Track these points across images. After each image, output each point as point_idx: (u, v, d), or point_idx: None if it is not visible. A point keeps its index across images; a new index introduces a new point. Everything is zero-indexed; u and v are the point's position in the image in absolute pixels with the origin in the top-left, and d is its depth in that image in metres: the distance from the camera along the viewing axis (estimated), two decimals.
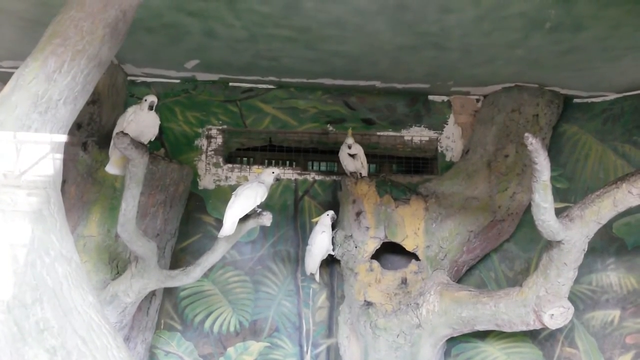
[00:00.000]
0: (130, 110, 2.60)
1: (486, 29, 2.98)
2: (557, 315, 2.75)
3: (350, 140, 3.54)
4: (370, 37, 3.13)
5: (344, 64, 3.57)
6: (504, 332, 3.50)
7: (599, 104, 4.00)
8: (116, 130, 2.53)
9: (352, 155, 3.53)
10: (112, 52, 2.06)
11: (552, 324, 2.77)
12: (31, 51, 2.00)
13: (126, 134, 2.37)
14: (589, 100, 4.02)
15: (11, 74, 1.99)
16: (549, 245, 2.73)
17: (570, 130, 4.03)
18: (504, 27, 2.96)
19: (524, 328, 2.94)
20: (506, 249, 3.86)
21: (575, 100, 4.03)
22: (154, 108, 2.62)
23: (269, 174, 2.96)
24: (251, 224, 2.78)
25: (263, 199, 2.85)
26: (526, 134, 2.22)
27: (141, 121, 2.55)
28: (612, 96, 3.96)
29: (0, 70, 3.68)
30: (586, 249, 2.73)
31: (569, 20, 2.85)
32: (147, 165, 2.51)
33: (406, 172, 4.17)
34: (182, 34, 3.18)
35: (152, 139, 2.68)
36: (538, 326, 2.85)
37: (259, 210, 2.81)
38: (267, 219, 2.77)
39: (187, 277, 2.78)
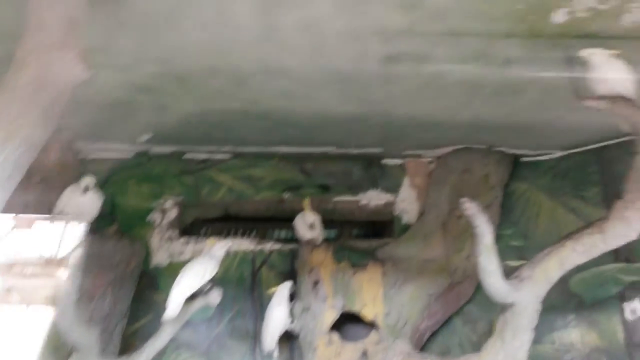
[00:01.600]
0: (66, 192, 2.53)
1: (430, 96, 3.08)
2: None
3: (310, 218, 3.51)
4: (320, 107, 3.20)
5: (297, 132, 3.62)
6: None
7: (547, 162, 4.13)
8: (55, 211, 2.45)
9: (310, 226, 3.51)
10: (45, 133, 2.01)
11: None
12: None
13: None
14: (537, 158, 4.15)
15: None
16: (503, 307, 2.70)
17: (521, 188, 4.12)
18: (447, 94, 3.06)
19: None
20: (468, 311, 3.81)
21: (524, 158, 4.15)
22: (89, 190, 2.56)
23: (220, 248, 2.90)
24: (199, 303, 2.67)
25: (212, 275, 2.76)
26: (461, 199, 2.25)
27: (78, 203, 2.48)
28: (559, 154, 4.10)
29: None
30: (540, 309, 2.70)
31: (507, 85, 2.98)
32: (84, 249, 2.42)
33: (364, 236, 4.15)
34: (133, 109, 3.19)
35: (94, 219, 2.59)
36: None
37: (208, 287, 2.71)
38: (215, 297, 2.67)
39: None
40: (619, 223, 2.41)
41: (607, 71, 2.18)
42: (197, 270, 2.67)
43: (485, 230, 2.32)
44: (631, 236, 2.42)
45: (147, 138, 3.64)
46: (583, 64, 2.25)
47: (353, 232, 4.35)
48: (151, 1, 2.13)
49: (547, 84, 2.96)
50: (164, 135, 3.61)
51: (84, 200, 2.54)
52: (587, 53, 2.24)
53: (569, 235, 2.58)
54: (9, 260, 2.92)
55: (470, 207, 2.18)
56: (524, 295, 2.59)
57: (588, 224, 2.55)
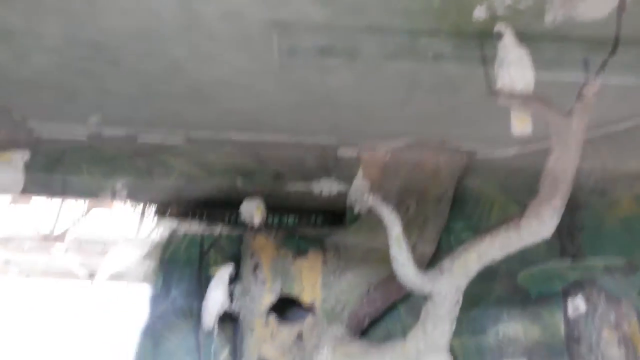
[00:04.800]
0: None
1: (369, 89, 3.09)
2: None
3: (257, 220, 3.59)
4: (262, 95, 3.21)
5: (245, 119, 3.63)
6: None
7: (502, 159, 4.12)
8: None
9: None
10: None
11: None
12: None
13: None
14: (492, 154, 4.14)
15: None
16: (425, 298, 2.75)
17: (475, 183, 4.14)
18: (386, 87, 3.07)
19: None
20: (413, 300, 3.82)
21: (479, 154, 4.15)
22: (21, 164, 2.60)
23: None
24: None
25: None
26: (362, 191, 2.27)
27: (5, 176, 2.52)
28: (513, 150, 4.09)
29: None
30: (461, 301, 2.73)
31: (443, 81, 2.98)
32: None
33: (315, 225, 4.19)
34: (76, 91, 3.22)
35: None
36: None
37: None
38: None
39: None
40: (534, 220, 2.45)
41: (514, 54, 2.18)
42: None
43: (393, 222, 2.35)
44: (545, 234, 2.46)
45: (97, 120, 3.67)
46: (498, 37, 2.23)
47: (311, 220, 4.39)
48: None
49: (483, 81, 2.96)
50: (114, 117, 3.64)
51: (12, 175, 2.57)
52: (503, 27, 2.22)
53: (488, 230, 2.61)
54: (7, 234, 2.99)
55: (371, 199, 2.21)
56: (442, 286, 2.63)
57: (505, 220, 2.57)
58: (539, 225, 2.43)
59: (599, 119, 3.27)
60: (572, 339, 3.63)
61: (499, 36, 2.22)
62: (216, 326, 3.49)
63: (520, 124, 2.32)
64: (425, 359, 2.75)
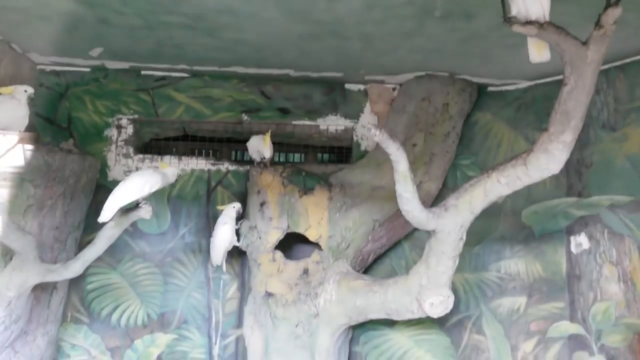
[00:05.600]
0: None
1: (378, 18, 2.96)
2: (437, 303, 2.78)
3: (265, 152, 3.55)
4: (267, 25, 3.10)
5: (250, 52, 3.53)
6: (412, 320, 3.53)
7: (512, 92, 4.02)
8: None
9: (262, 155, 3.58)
10: None
11: (433, 312, 2.80)
12: None
13: None
14: (502, 88, 4.04)
15: None
16: (429, 234, 2.76)
17: (484, 119, 4.05)
18: (396, 16, 2.94)
19: (410, 316, 2.96)
20: (417, 237, 3.87)
21: (490, 88, 4.06)
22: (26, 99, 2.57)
23: (173, 174, 2.93)
24: (131, 217, 2.75)
25: (154, 189, 2.81)
26: (369, 125, 2.22)
27: (10, 113, 2.50)
28: (524, 84, 3.98)
29: None
30: (464, 239, 2.73)
31: (457, 8, 2.84)
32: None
33: (321, 161, 4.17)
34: (76, 21, 3.11)
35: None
36: (422, 314, 2.88)
37: (143, 202, 2.78)
38: (145, 211, 2.74)
39: (67, 271, 2.76)
40: (542, 155, 2.39)
41: None
42: (137, 182, 2.73)
43: (399, 158, 2.31)
44: (553, 169, 2.41)
45: (99, 52, 3.58)
46: None
47: (317, 157, 4.37)
48: None
49: (499, 8, 2.82)
50: (115, 50, 3.54)
51: (16, 110, 2.55)
52: None
53: (494, 167, 2.58)
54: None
55: (378, 134, 2.16)
56: (447, 223, 2.62)
57: (514, 156, 2.53)
58: (548, 160, 2.37)
59: (614, 50, 3.15)
60: (573, 275, 3.66)
61: None
62: (224, 262, 3.55)
63: (538, 51, 2.22)
64: (427, 295, 2.79)
